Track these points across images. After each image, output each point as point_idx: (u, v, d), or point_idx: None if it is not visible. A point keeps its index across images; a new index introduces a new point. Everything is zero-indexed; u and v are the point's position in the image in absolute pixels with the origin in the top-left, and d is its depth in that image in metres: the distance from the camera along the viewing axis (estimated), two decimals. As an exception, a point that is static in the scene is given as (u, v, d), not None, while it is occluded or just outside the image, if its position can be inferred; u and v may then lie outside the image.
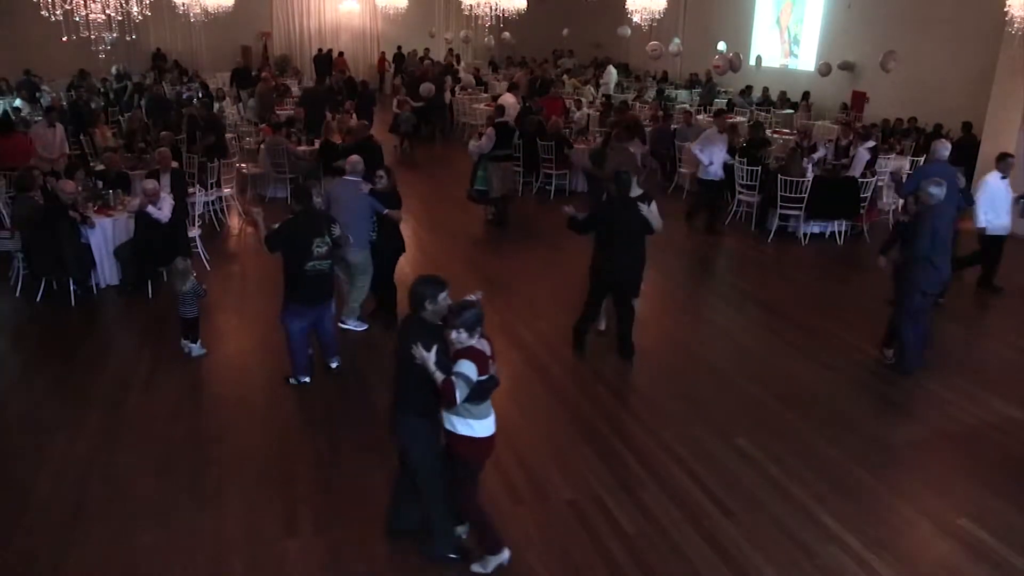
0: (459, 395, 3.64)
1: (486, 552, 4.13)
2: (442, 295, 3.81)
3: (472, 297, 3.94)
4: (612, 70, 20.83)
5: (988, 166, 12.48)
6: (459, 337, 3.76)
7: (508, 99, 14.38)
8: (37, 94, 16.34)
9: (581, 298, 6.80)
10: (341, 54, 23.91)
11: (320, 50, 23.70)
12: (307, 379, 6.13)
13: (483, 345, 3.85)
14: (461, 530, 4.31)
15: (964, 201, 8.04)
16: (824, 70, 16.45)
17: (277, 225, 5.82)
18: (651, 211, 6.47)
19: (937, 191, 6.21)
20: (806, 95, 17.47)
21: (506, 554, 4.14)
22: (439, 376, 3.67)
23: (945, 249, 6.34)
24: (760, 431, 5.61)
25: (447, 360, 3.77)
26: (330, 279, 6.01)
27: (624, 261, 6.45)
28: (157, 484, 4.86)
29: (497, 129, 10.44)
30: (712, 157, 10.34)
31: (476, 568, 4.12)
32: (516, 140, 11.47)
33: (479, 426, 3.88)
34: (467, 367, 3.70)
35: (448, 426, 3.89)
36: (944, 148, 8.11)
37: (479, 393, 3.76)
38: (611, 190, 6.57)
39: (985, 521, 4.66)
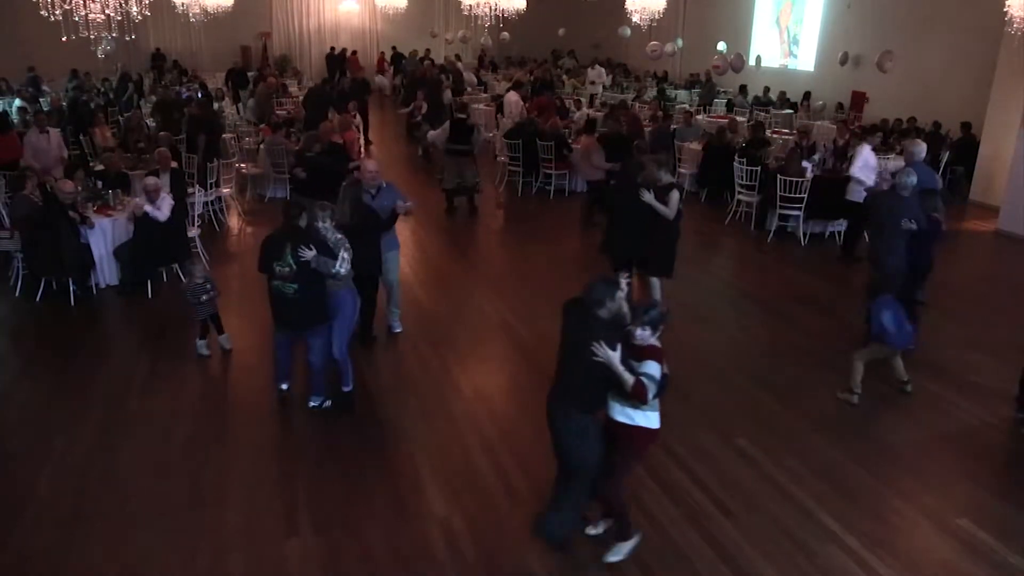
0: (650, 395, 3.82)
1: (619, 539, 4.27)
2: (619, 294, 3.95)
3: (623, 283, 4.11)
4: (599, 69, 20.84)
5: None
6: (643, 334, 3.91)
7: (511, 97, 14.34)
8: (31, 89, 16.31)
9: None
10: (354, 53, 23.97)
11: (332, 49, 23.78)
12: (284, 386, 5.83)
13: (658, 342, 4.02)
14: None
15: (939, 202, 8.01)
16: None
17: None
18: (650, 197, 6.94)
19: (908, 180, 6.59)
20: (807, 95, 17.46)
21: (637, 538, 4.29)
22: (629, 378, 3.79)
23: (886, 238, 6.62)
24: (760, 431, 5.61)
25: (627, 358, 3.89)
26: (294, 305, 5.34)
27: (630, 240, 7.19)
28: (157, 484, 4.86)
29: (452, 124, 10.59)
30: (871, 176, 9.31)
31: (611, 557, 4.24)
32: (475, 136, 11.48)
33: (655, 418, 4.04)
34: (653, 367, 3.85)
35: (624, 419, 4.01)
36: (921, 148, 8.04)
37: (661, 389, 3.92)
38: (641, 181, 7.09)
39: (985, 521, 4.66)
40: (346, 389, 5.81)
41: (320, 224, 5.36)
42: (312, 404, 5.72)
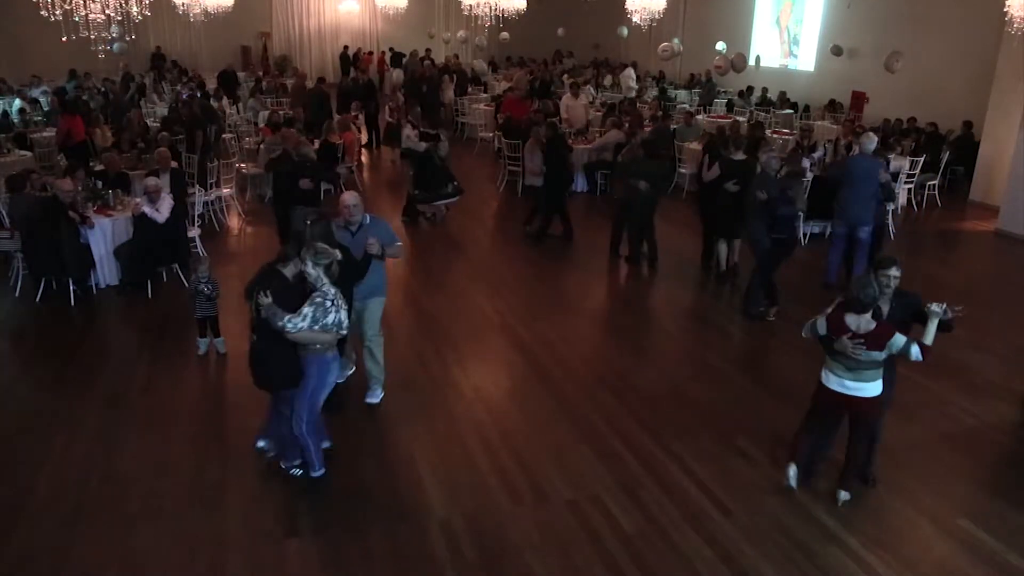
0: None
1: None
2: (893, 269, 4.62)
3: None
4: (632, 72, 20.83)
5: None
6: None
7: (571, 101, 14.25)
8: (33, 93, 16.30)
9: (580, 299, 6.82)
10: (370, 53, 24.08)
11: (346, 48, 24.12)
12: (261, 443, 5.03)
13: None
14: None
15: (884, 194, 8.36)
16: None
17: None
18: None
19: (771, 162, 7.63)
20: (832, 103, 17.05)
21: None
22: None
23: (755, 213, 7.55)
24: (760, 431, 5.61)
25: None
26: (255, 358, 4.57)
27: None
28: (157, 484, 4.86)
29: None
30: None
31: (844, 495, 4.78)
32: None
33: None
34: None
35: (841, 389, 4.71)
36: (870, 142, 8.29)
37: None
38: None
39: (985, 521, 4.66)
40: (314, 474, 4.77)
41: (308, 269, 4.41)
42: (283, 466, 4.91)
